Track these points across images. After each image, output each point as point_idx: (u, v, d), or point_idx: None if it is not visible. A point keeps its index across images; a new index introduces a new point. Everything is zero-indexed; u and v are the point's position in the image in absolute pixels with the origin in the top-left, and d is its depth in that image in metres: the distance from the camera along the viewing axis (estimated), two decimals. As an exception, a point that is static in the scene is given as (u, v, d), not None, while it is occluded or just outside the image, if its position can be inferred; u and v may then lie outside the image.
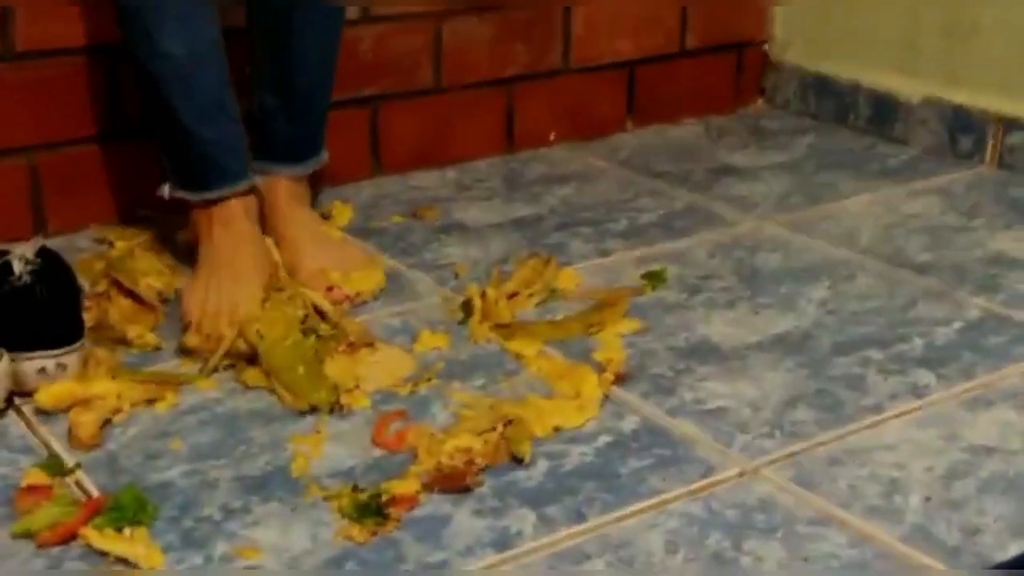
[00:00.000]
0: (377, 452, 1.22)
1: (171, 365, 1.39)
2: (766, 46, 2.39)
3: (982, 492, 1.16)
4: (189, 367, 1.37)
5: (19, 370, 1.30)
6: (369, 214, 1.84)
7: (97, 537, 1.07)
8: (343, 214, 1.81)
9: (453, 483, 1.16)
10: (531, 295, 1.55)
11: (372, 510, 1.11)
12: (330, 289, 1.52)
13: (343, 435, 1.25)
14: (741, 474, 1.19)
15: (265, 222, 1.58)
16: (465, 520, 1.11)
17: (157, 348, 1.43)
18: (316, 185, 1.75)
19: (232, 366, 1.37)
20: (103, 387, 1.28)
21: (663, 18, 2.24)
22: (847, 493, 1.16)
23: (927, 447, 1.24)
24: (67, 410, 1.27)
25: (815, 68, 2.31)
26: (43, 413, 1.28)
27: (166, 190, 1.54)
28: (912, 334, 1.47)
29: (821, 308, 1.54)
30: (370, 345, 1.39)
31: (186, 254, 1.62)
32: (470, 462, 1.19)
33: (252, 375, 1.35)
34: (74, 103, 1.73)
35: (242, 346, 1.37)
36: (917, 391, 1.34)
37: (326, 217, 1.77)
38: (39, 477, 1.16)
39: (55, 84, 1.71)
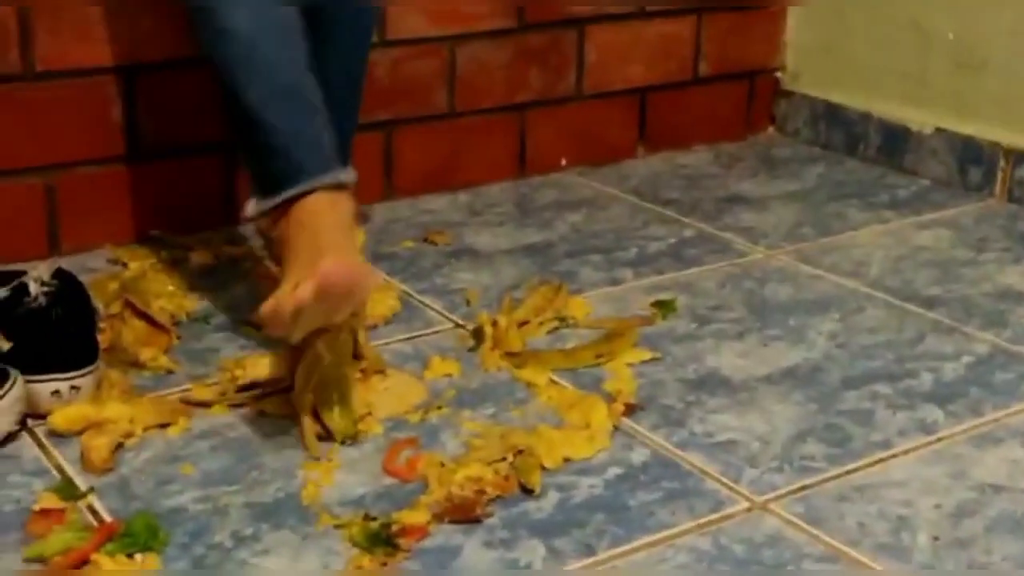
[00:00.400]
0: (388, 480, 1.23)
1: (183, 389, 1.39)
2: (778, 74, 2.40)
3: (990, 531, 1.16)
4: (202, 392, 1.37)
5: (33, 392, 1.30)
6: (380, 238, 1.85)
7: (109, 563, 1.07)
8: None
9: (463, 513, 1.16)
10: (541, 323, 1.56)
11: (383, 540, 1.11)
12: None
13: (354, 463, 1.26)
14: (750, 509, 1.20)
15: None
16: (475, 551, 1.12)
17: (170, 371, 1.43)
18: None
19: (253, 387, 1.35)
20: (116, 410, 1.29)
21: (676, 45, 2.25)
22: (855, 530, 1.16)
23: (935, 484, 1.24)
24: (80, 433, 1.27)
25: (826, 97, 2.32)
26: (56, 436, 1.28)
27: (250, 207, 1.38)
28: (920, 369, 1.48)
29: (830, 341, 1.55)
30: (381, 372, 1.40)
31: (199, 275, 1.63)
32: (480, 492, 1.19)
33: (272, 404, 1.34)
34: (91, 123, 1.74)
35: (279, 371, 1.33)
36: (925, 427, 1.35)
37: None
38: (52, 501, 1.16)
39: (73, 104, 1.72)
